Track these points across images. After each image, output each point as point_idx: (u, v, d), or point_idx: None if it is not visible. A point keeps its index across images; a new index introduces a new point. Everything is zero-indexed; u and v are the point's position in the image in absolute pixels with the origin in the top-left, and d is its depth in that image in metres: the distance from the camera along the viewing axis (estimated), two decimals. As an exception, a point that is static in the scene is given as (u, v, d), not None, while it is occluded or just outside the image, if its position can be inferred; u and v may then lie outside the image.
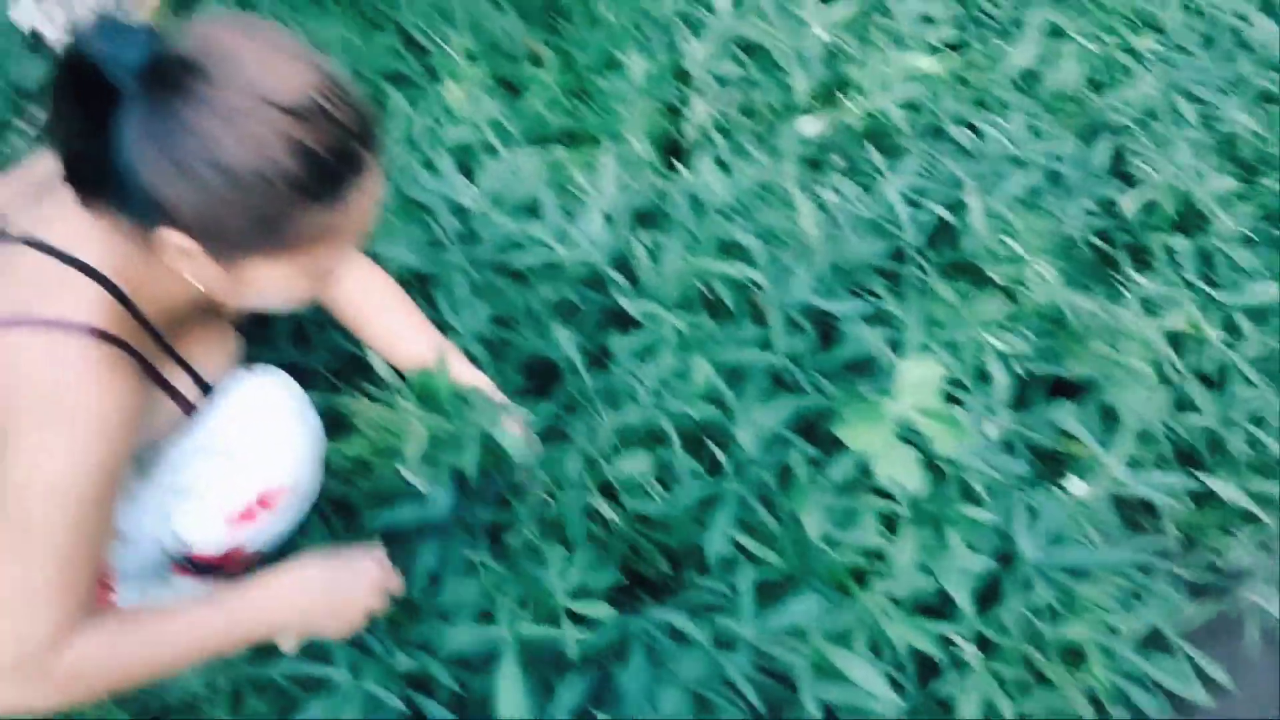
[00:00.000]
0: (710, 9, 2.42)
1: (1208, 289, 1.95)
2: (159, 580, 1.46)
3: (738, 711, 1.35)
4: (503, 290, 1.79)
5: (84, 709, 1.33)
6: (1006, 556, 1.52)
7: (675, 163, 2.18)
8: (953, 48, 2.50)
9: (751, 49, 2.38)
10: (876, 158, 2.15)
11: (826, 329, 1.81)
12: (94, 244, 1.12)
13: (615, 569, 1.47)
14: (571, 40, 2.38)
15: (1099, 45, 2.48)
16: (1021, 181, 2.06)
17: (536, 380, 1.73)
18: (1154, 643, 1.56)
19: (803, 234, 1.89)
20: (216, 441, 1.34)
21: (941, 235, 2.04)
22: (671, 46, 2.36)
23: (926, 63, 2.35)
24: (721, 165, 2.14)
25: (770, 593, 1.48)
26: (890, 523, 1.51)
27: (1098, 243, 2.06)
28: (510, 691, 1.32)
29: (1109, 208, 2.13)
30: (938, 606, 1.48)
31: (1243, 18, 2.58)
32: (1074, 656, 1.48)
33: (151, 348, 1.22)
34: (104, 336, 1.10)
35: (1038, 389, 1.81)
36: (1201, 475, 1.72)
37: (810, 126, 2.21)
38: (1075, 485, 1.60)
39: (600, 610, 1.39)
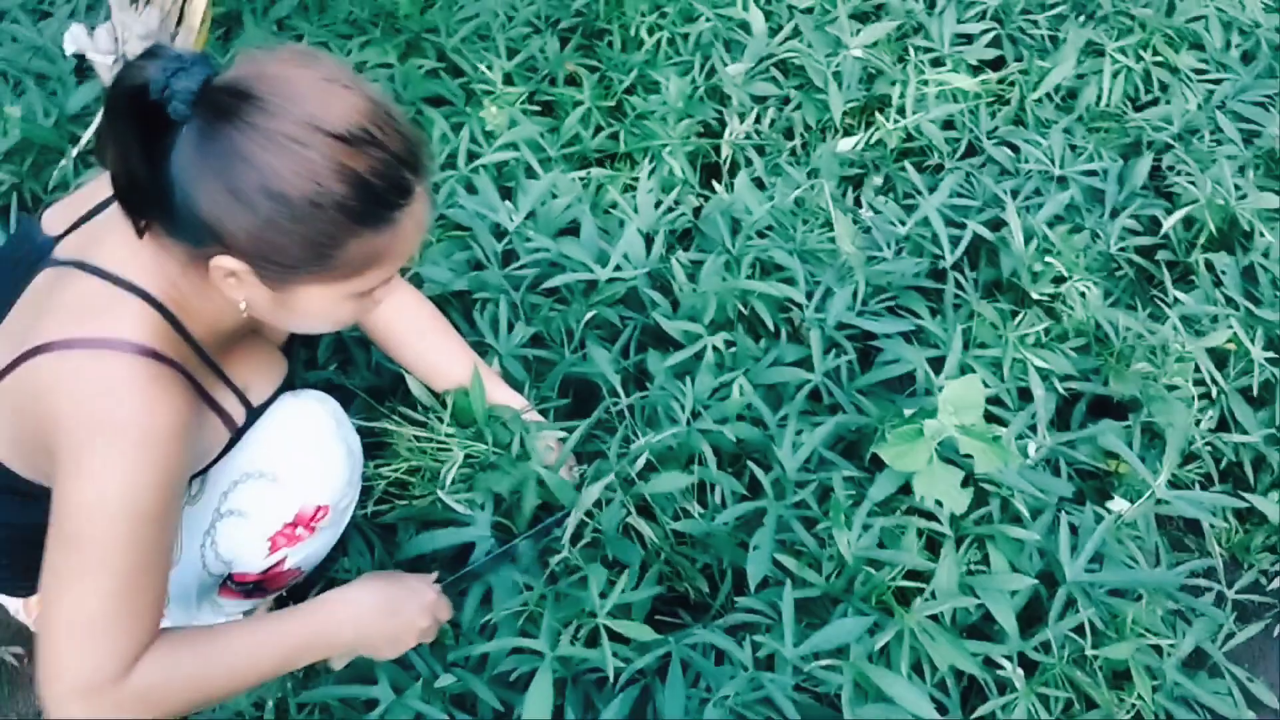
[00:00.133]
0: (747, 30, 2.43)
1: (1250, 306, 1.94)
2: (201, 599, 1.47)
3: (779, 731, 1.35)
4: (542, 310, 1.80)
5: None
6: (1049, 576, 1.50)
7: (713, 183, 2.18)
8: (991, 66, 2.50)
9: (788, 69, 2.39)
10: (914, 176, 2.15)
11: (866, 348, 1.81)
12: (144, 267, 1.14)
13: (652, 588, 1.47)
14: (608, 62, 2.40)
15: (1138, 63, 2.47)
16: (1061, 199, 2.06)
17: (575, 400, 1.74)
18: (1199, 663, 1.54)
19: (841, 253, 1.89)
20: (258, 462, 1.36)
21: (981, 254, 2.03)
22: (708, 67, 2.37)
23: (964, 81, 2.35)
24: (759, 185, 2.14)
25: (811, 612, 1.48)
26: (932, 542, 1.51)
27: (1139, 260, 2.05)
28: (538, 706, 1.32)
29: (1150, 225, 2.12)
30: (980, 627, 1.47)
31: (1284, 34, 2.56)
32: (1119, 677, 1.46)
33: (200, 368, 1.23)
34: (154, 355, 1.12)
35: (1080, 408, 1.80)
36: (1246, 494, 1.71)
37: (848, 146, 2.22)
38: (1118, 504, 1.59)
39: (640, 631, 1.38)
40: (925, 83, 2.35)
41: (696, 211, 2.10)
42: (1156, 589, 1.51)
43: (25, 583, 1.40)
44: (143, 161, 1.04)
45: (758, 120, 2.28)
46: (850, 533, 1.44)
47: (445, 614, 1.41)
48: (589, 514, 1.50)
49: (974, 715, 1.39)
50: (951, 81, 2.35)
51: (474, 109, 2.24)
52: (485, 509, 1.51)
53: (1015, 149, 2.27)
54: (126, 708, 1.13)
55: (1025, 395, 1.74)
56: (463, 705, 1.42)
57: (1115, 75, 2.43)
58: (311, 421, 1.39)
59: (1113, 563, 1.53)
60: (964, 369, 1.71)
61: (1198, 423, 1.77)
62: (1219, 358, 1.85)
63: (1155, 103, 2.44)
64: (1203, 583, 1.61)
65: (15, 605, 1.45)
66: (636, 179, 2.11)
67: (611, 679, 1.35)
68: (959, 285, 1.93)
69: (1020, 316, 1.85)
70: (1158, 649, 1.47)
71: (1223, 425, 1.83)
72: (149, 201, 1.07)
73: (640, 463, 1.53)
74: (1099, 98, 2.41)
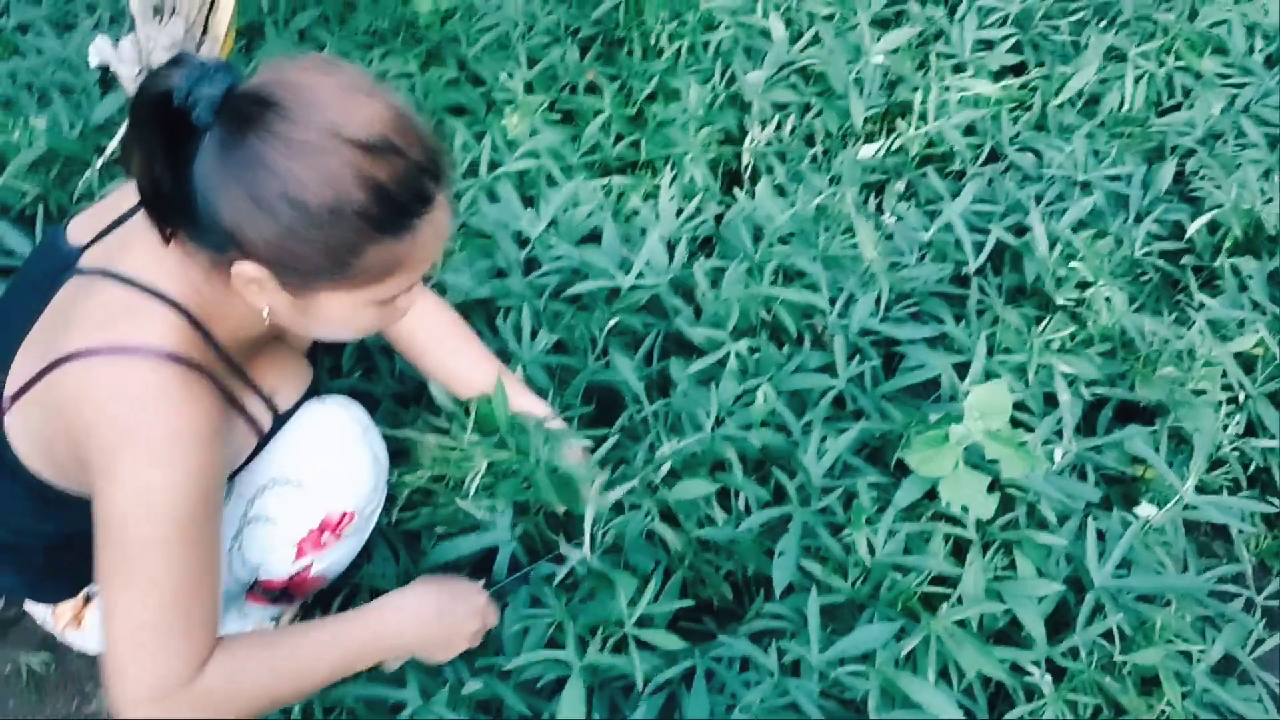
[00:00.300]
0: (767, 37, 2.43)
1: (1277, 310, 1.93)
2: (228, 605, 1.48)
3: (806, 738, 1.35)
4: (564, 317, 1.80)
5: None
6: (1077, 582, 1.50)
7: (734, 190, 2.18)
8: (1012, 72, 2.50)
9: (809, 76, 2.39)
10: (937, 182, 2.14)
11: (890, 354, 1.80)
12: (169, 274, 1.15)
13: (676, 595, 1.47)
14: (629, 70, 2.40)
15: (1160, 68, 2.46)
16: (1085, 205, 2.05)
17: (599, 407, 1.74)
18: (1229, 669, 1.53)
19: (864, 259, 1.89)
20: (285, 468, 1.36)
21: (1004, 259, 2.03)
22: (729, 75, 2.38)
23: (986, 87, 2.34)
24: (780, 192, 2.14)
25: (837, 618, 1.47)
26: (958, 548, 1.50)
27: (1164, 265, 2.04)
28: (572, 713, 1.32)
29: (1175, 230, 2.11)
30: (1008, 632, 1.46)
31: (1307, 37, 2.55)
32: (1148, 684, 1.45)
33: (225, 373, 1.23)
34: (180, 361, 1.12)
35: (1106, 413, 1.79)
36: (1274, 499, 1.69)
37: (869, 152, 2.21)
38: (1146, 510, 1.58)
39: (668, 640, 1.38)
40: (947, 89, 2.34)
41: (718, 219, 2.09)
42: (1185, 595, 1.50)
43: (53, 590, 1.41)
44: (167, 168, 1.05)
45: (779, 127, 2.28)
46: (876, 538, 1.44)
47: (492, 619, 1.42)
48: (612, 520, 1.50)
49: (1003, 721, 1.38)
50: (973, 87, 2.35)
51: (495, 118, 2.24)
52: (506, 514, 1.51)
53: (1038, 154, 2.26)
54: (196, 711, 1.14)
55: (1050, 401, 1.73)
56: (487, 711, 1.42)
57: (1138, 80, 2.43)
58: (337, 428, 1.39)
59: (1140, 568, 1.52)
60: (988, 375, 1.71)
61: (1225, 427, 1.76)
62: (1246, 362, 1.84)
63: (1178, 107, 2.44)
64: (1231, 588, 1.59)
65: (43, 613, 1.46)
66: (658, 186, 2.11)
67: (640, 688, 1.35)
68: (982, 291, 1.93)
69: (1045, 322, 1.85)
70: (1187, 655, 1.46)
71: (1250, 430, 1.82)
72: (173, 208, 1.08)
73: (664, 469, 1.53)
74: (1121, 103, 2.40)
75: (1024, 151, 2.27)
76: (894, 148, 2.26)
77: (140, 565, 1.10)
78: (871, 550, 1.45)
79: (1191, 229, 2.06)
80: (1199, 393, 1.78)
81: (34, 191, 2.02)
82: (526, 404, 1.59)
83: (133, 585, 1.11)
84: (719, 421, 1.61)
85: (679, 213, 2.01)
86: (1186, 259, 2.08)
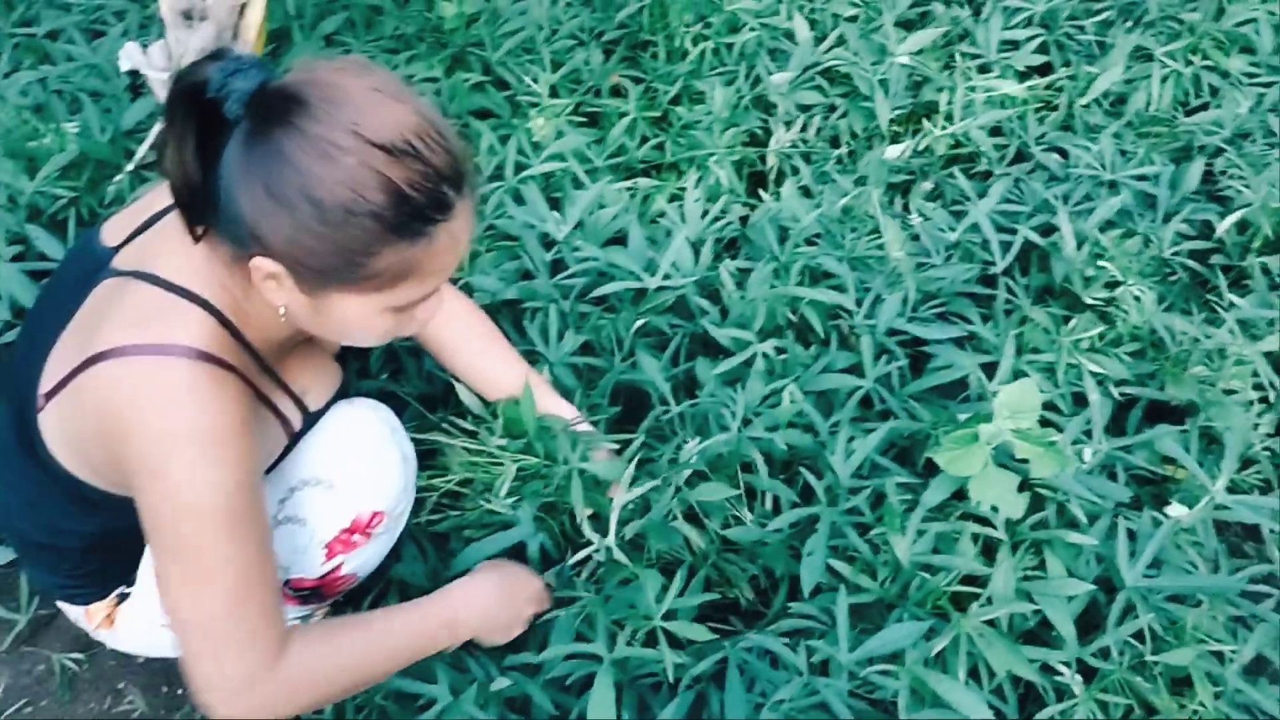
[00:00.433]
0: (792, 38, 2.44)
1: (1307, 308, 1.91)
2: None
3: (835, 737, 1.34)
4: (591, 319, 1.80)
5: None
6: (1107, 582, 1.49)
7: (759, 191, 2.18)
8: (1038, 72, 2.49)
9: (834, 77, 2.39)
10: (963, 183, 2.14)
11: (917, 355, 1.80)
12: (198, 273, 1.16)
13: (699, 595, 1.47)
14: (653, 73, 2.41)
15: (1187, 67, 2.45)
16: (1113, 204, 2.04)
17: (626, 407, 1.74)
18: (1261, 670, 1.52)
19: (890, 259, 1.89)
20: (315, 469, 1.37)
21: (1032, 259, 2.02)
22: (753, 77, 2.38)
23: (1012, 87, 2.34)
24: (806, 193, 2.14)
25: (865, 618, 1.47)
26: (988, 548, 1.49)
27: (1193, 265, 2.03)
28: (600, 710, 1.32)
29: (1203, 229, 2.10)
30: (1038, 632, 1.45)
31: (1336, 35, 2.54)
32: (1179, 684, 1.44)
33: (257, 373, 1.25)
34: (210, 359, 1.13)
35: (1135, 413, 1.78)
36: (1306, 499, 1.68)
37: (895, 153, 2.21)
38: (1176, 510, 1.56)
39: (698, 632, 1.38)
40: (972, 89, 2.34)
41: (743, 220, 2.10)
42: (1217, 595, 1.49)
43: (86, 590, 1.42)
44: (196, 160, 1.06)
45: (804, 129, 2.28)
46: (905, 538, 1.43)
47: (547, 603, 1.47)
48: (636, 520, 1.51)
49: (1033, 721, 1.38)
50: (999, 88, 2.34)
51: (520, 121, 2.25)
52: (531, 511, 1.52)
53: (1064, 154, 2.25)
54: (282, 697, 1.18)
55: (1080, 401, 1.72)
56: (514, 708, 1.42)
57: (1164, 80, 2.41)
58: (366, 429, 1.40)
59: (1171, 568, 1.51)
60: (1017, 374, 1.70)
61: (1256, 427, 1.75)
62: (1277, 361, 1.82)
63: (1205, 107, 2.42)
64: (1263, 589, 1.57)
65: (77, 613, 1.47)
66: (683, 188, 2.12)
67: (670, 681, 1.35)
68: (1010, 291, 1.92)
69: (1073, 322, 1.84)
70: (1219, 655, 1.45)
71: (1282, 429, 1.81)
72: (202, 203, 1.09)
73: (688, 472, 1.53)
74: (1148, 102, 2.39)
75: (1050, 151, 2.26)
76: (920, 148, 2.26)
77: (196, 564, 1.13)
78: (904, 549, 1.45)
79: (1220, 228, 2.05)
80: (1229, 392, 1.77)
81: (66, 195, 2.04)
82: (553, 406, 1.59)
83: (193, 584, 1.14)
84: (746, 423, 1.61)
85: (704, 214, 2.02)
86: (1215, 258, 2.06)
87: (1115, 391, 1.76)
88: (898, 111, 2.32)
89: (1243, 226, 2.07)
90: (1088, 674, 1.43)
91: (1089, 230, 1.98)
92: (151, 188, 1.31)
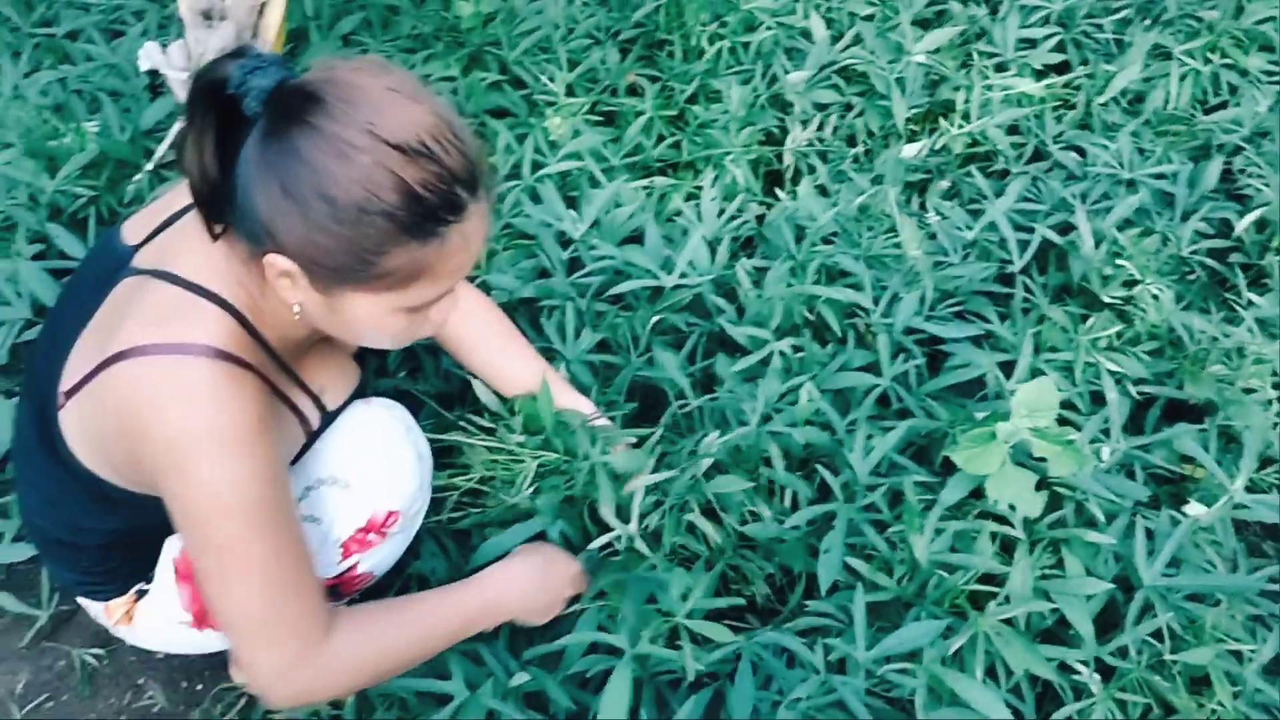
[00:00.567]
0: (808, 37, 2.44)
1: (1327, 308, 1.90)
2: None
3: (851, 734, 1.34)
4: (608, 317, 1.81)
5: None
6: (1125, 581, 1.48)
7: (775, 190, 2.18)
8: (1056, 70, 2.48)
9: (850, 76, 2.39)
10: (980, 181, 2.14)
11: (934, 353, 1.80)
12: (217, 272, 1.16)
13: (714, 587, 1.47)
14: (670, 72, 2.41)
15: (1206, 65, 2.44)
16: (1131, 203, 2.03)
17: (641, 405, 1.74)
18: (1280, 670, 1.52)
19: (907, 258, 1.88)
20: (331, 468, 1.38)
21: (1049, 258, 2.01)
22: (770, 75, 2.38)
23: (1029, 86, 2.33)
24: (822, 191, 2.14)
25: (882, 616, 1.47)
26: (1005, 547, 1.49)
27: (1211, 263, 2.02)
28: (615, 704, 1.32)
29: (1222, 228, 2.09)
30: (1055, 631, 1.45)
31: (1356, 33, 2.52)
32: (1198, 683, 1.44)
33: (275, 372, 1.25)
34: (228, 358, 1.14)
35: (1154, 411, 1.78)
36: (1326, 499, 1.67)
37: (912, 152, 2.21)
38: (1195, 509, 1.56)
39: (719, 632, 1.38)
40: (989, 88, 2.33)
41: (759, 219, 2.10)
42: (1235, 594, 1.49)
43: (105, 587, 1.43)
44: (215, 157, 1.07)
45: (820, 127, 2.28)
46: (923, 536, 1.43)
47: (584, 585, 1.48)
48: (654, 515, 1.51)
49: (1050, 720, 1.37)
50: (1016, 86, 2.34)
51: (537, 120, 2.26)
52: (551, 500, 1.53)
53: (1082, 153, 2.25)
54: (328, 681, 1.22)
55: (1098, 399, 1.72)
56: (532, 703, 1.43)
57: (1183, 78, 2.41)
58: (381, 428, 1.41)
59: (1190, 568, 1.50)
60: (1034, 373, 1.70)
61: (1275, 426, 1.74)
62: (1295, 360, 1.82)
63: (1224, 105, 2.41)
64: (1283, 588, 1.57)
65: (97, 609, 1.48)
66: (699, 187, 2.12)
67: (691, 679, 1.35)
68: (1027, 289, 1.92)
69: (1091, 320, 1.83)
70: (1237, 655, 1.44)
71: (1301, 429, 1.80)
72: (220, 200, 1.10)
73: (707, 462, 1.53)
74: (1166, 101, 2.38)
75: (1068, 150, 2.26)
76: (937, 147, 2.25)
77: (232, 560, 1.14)
78: (923, 548, 1.44)
79: (1239, 227, 2.04)
80: (1248, 391, 1.76)
81: (86, 194, 2.06)
82: (571, 402, 1.60)
83: (228, 580, 1.16)
84: (765, 420, 1.61)
85: (721, 213, 2.02)
86: (1234, 257, 2.06)
87: (1133, 390, 1.75)
88: (914, 110, 2.31)
89: (1261, 225, 2.06)
90: (1106, 673, 1.42)
91: (1107, 229, 1.97)
92: (171, 187, 1.32)
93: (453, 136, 1.07)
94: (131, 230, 1.27)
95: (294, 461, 1.36)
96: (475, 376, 1.63)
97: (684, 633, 1.38)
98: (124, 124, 2.21)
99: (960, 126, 2.26)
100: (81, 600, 1.49)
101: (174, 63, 2.07)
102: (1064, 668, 1.41)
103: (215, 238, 1.15)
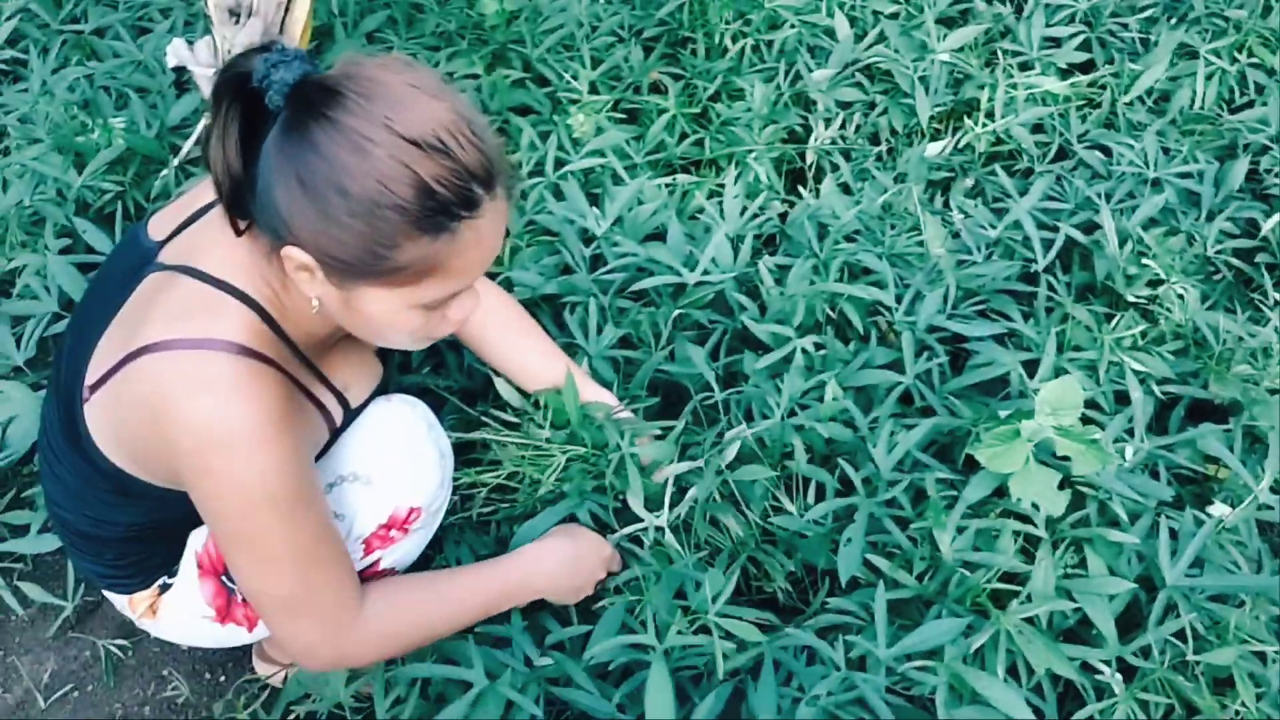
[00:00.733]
0: (832, 36, 2.43)
1: (1355, 308, 1.89)
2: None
3: (873, 732, 1.34)
4: (630, 313, 1.81)
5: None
6: (1148, 581, 1.48)
7: (798, 188, 2.18)
8: (1080, 69, 2.47)
9: (874, 74, 2.38)
10: (1004, 180, 2.13)
11: (957, 351, 1.79)
12: (242, 269, 1.17)
13: (735, 581, 1.47)
14: (693, 70, 2.41)
15: (1232, 65, 2.42)
16: (1156, 202, 2.02)
17: (663, 401, 1.74)
18: (1305, 671, 1.50)
19: (931, 256, 1.88)
20: (353, 465, 1.38)
21: (1073, 257, 2.00)
22: (793, 74, 2.37)
23: (1054, 84, 2.32)
24: (845, 189, 2.14)
25: (903, 614, 1.47)
26: (1028, 545, 1.49)
27: (1237, 263, 2.01)
28: (659, 699, 1.33)
29: (1248, 228, 2.08)
30: (1077, 631, 1.44)
31: (1385, 32, 2.50)
32: (1221, 684, 1.43)
33: (298, 368, 1.26)
34: (251, 354, 1.15)
35: (1178, 411, 1.77)
36: (1352, 500, 1.66)
37: (935, 150, 2.20)
38: (1219, 509, 1.55)
39: (746, 630, 1.38)
40: (1014, 86, 2.32)
41: (782, 217, 2.09)
42: (1259, 595, 1.48)
43: (128, 580, 1.44)
44: (238, 150, 1.08)
45: (843, 126, 2.28)
46: (947, 534, 1.43)
47: (616, 566, 1.51)
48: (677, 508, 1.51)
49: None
50: (1041, 85, 2.33)
51: (560, 117, 2.26)
52: (579, 485, 1.53)
53: (1107, 152, 2.24)
54: (361, 651, 1.28)
55: (1122, 399, 1.71)
56: (549, 696, 1.43)
57: (1209, 77, 2.39)
58: (403, 425, 1.41)
59: (1214, 568, 1.49)
60: (1058, 372, 1.69)
61: (1301, 427, 1.73)
62: (1322, 361, 1.80)
63: (1250, 105, 2.40)
64: (1307, 590, 1.56)
65: (121, 601, 1.49)
66: (722, 185, 2.12)
67: (721, 675, 1.36)
68: (1051, 288, 1.91)
69: (1115, 320, 1.82)
70: (1261, 655, 1.44)
71: (1327, 430, 1.79)
72: (243, 194, 1.11)
73: (731, 453, 1.53)
74: (1192, 100, 2.36)
75: (1093, 149, 2.24)
76: (960, 145, 2.25)
77: (259, 551, 1.17)
78: (947, 545, 1.44)
79: (1266, 226, 2.03)
80: (1274, 391, 1.75)
81: (113, 190, 2.07)
82: (593, 396, 1.60)
83: (260, 570, 1.19)
84: (790, 414, 1.61)
85: (743, 211, 2.02)
86: (1261, 257, 2.04)
87: (1158, 390, 1.74)
88: (938, 108, 2.31)
89: (1288, 225, 2.05)
90: (1128, 673, 1.41)
91: (1132, 228, 1.96)
92: (197, 182, 1.33)
93: (471, 133, 1.07)
94: (157, 226, 1.27)
95: (318, 458, 1.37)
96: (497, 373, 1.63)
97: (715, 629, 1.38)
98: (151, 120, 2.22)
99: (984, 125, 2.25)
100: (106, 592, 1.50)
101: (200, 59, 2.08)
102: (1086, 667, 1.40)
103: (239, 233, 1.15)
